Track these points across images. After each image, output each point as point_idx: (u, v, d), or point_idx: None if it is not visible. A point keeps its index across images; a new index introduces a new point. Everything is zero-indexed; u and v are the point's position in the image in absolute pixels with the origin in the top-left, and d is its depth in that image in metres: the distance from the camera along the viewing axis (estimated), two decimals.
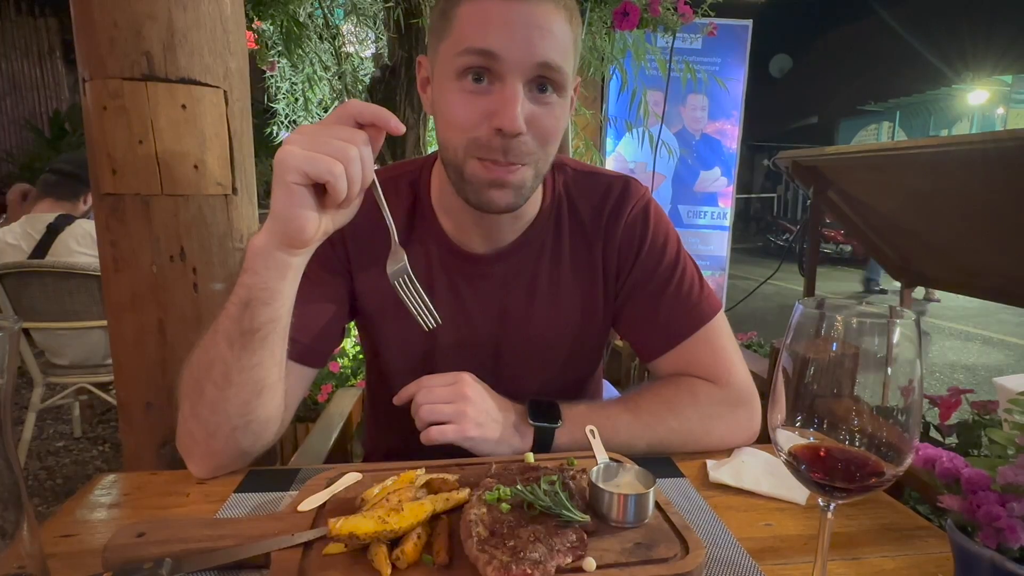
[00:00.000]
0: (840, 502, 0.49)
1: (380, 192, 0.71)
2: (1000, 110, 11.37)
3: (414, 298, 0.74)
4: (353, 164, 0.64)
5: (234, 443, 0.75)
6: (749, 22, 4.38)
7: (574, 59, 0.79)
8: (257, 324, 0.69)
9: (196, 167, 1.01)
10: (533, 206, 0.90)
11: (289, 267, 0.69)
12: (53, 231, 2.41)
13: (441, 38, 0.77)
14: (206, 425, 0.74)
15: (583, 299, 0.94)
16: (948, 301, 6.96)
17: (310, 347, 0.85)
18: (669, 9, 2.14)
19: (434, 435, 0.76)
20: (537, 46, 0.72)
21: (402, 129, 0.67)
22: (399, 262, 0.74)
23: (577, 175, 0.95)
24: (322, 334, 0.87)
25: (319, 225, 0.67)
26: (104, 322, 1.98)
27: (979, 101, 11.57)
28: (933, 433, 1.55)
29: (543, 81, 0.75)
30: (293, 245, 0.68)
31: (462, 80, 0.75)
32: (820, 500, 0.50)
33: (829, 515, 0.50)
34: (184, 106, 0.99)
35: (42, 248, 2.39)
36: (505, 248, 0.90)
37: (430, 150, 2.35)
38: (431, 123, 2.56)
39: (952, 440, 1.51)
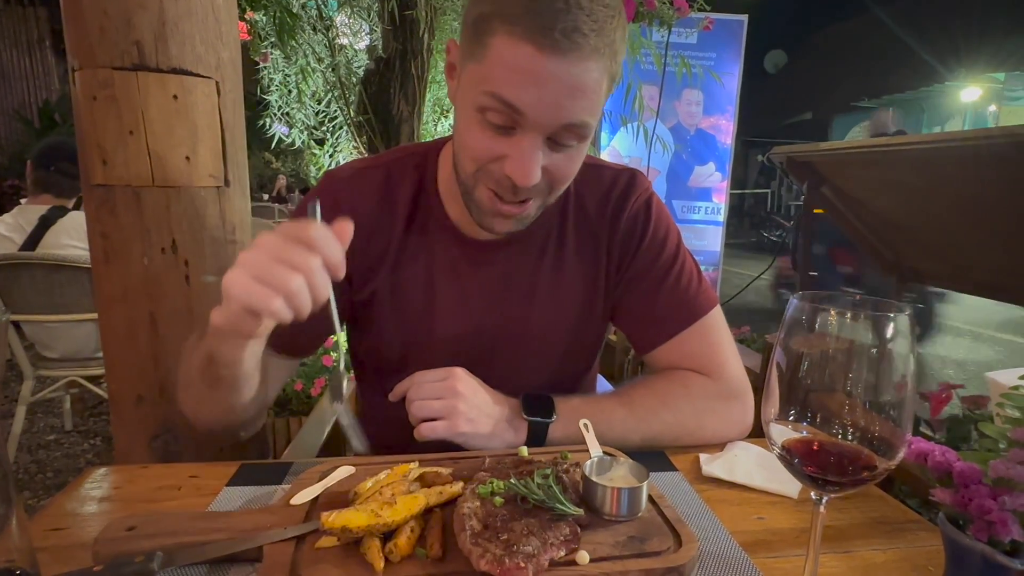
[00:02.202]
0: (832, 496, 0.50)
1: (335, 310, 0.68)
2: (992, 107, 11.43)
3: (350, 420, 0.71)
4: (296, 297, 0.59)
5: (223, 427, 0.85)
6: (744, 17, 4.37)
7: (608, 93, 0.75)
8: (222, 375, 0.72)
9: (188, 159, 1.00)
10: None
11: (248, 345, 0.68)
12: (45, 223, 2.38)
13: (471, 54, 0.72)
14: (196, 415, 0.84)
15: (585, 290, 0.94)
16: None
17: (293, 339, 0.85)
18: (665, 3, 2.13)
19: (425, 432, 0.76)
20: (565, 109, 0.69)
21: (341, 276, 0.63)
22: (345, 392, 0.70)
23: (585, 167, 0.94)
24: (308, 327, 0.87)
25: (268, 326, 0.65)
26: (95, 315, 1.96)
27: (972, 98, 11.63)
28: (923, 428, 1.56)
29: (566, 135, 0.73)
30: (248, 337, 0.66)
31: (484, 114, 0.72)
32: (812, 494, 0.50)
33: (821, 508, 0.51)
34: (175, 97, 0.98)
35: (33, 240, 2.36)
36: (509, 236, 0.90)
37: None
38: (425, 117, 2.54)
39: (942, 435, 1.53)
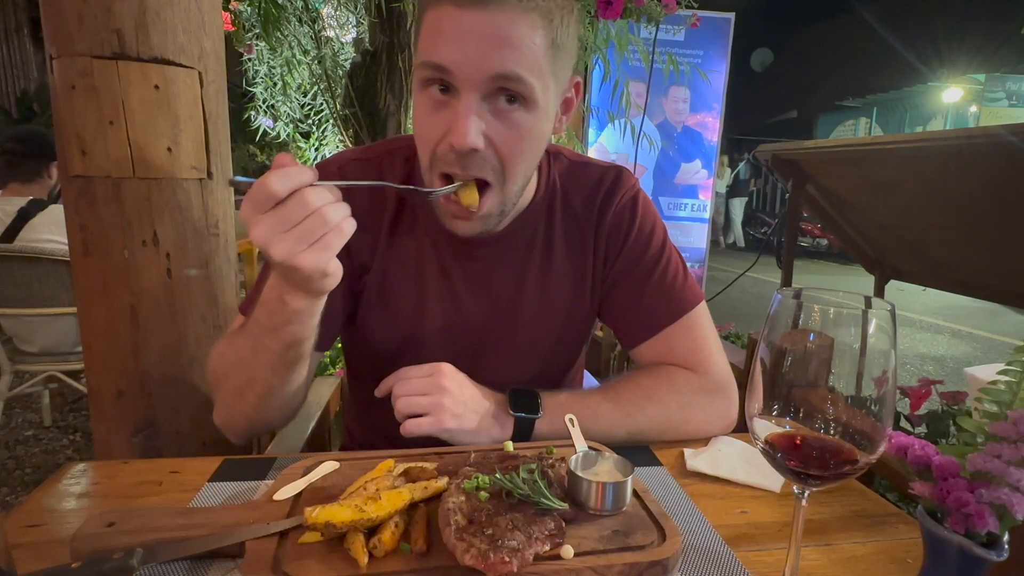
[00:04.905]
0: (814, 489, 0.50)
1: None
2: (973, 108, 11.60)
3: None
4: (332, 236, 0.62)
5: (274, 424, 0.86)
6: (731, 15, 4.40)
7: (554, 64, 0.74)
8: (301, 353, 0.74)
9: (170, 150, 0.99)
10: (527, 194, 0.90)
11: (319, 305, 0.70)
12: (23, 216, 2.34)
13: (417, 43, 0.75)
14: (251, 420, 0.82)
15: (573, 285, 0.94)
16: (917, 294, 7.10)
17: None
18: None
19: (411, 428, 0.76)
20: (490, 58, 0.69)
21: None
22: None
23: (572, 165, 0.96)
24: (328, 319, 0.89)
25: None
26: (74, 309, 1.92)
27: (953, 99, 11.80)
28: (903, 423, 1.59)
29: (506, 93, 0.73)
30: (322, 293, 0.68)
31: (426, 90, 0.73)
32: (795, 488, 0.51)
33: (803, 502, 0.51)
34: (157, 87, 0.96)
35: (11, 233, 2.32)
36: (497, 233, 0.90)
37: None
38: (411, 111, 2.53)
39: (921, 429, 1.55)
